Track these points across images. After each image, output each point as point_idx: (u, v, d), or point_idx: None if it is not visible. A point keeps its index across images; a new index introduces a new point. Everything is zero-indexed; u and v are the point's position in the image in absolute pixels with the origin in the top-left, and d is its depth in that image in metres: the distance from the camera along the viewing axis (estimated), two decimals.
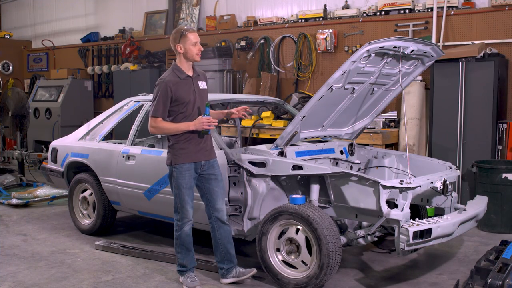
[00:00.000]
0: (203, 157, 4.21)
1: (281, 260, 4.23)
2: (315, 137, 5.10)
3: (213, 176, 4.27)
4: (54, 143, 6.33)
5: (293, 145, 4.82)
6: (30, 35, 13.42)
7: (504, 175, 5.74)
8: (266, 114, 7.03)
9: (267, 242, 4.23)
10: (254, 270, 4.34)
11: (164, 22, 10.28)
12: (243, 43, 8.71)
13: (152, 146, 6.44)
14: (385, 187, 3.91)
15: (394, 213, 3.87)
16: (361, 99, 4.85)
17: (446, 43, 6.87)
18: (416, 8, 7.22)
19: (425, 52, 4.55)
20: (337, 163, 5.21)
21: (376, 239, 4.70)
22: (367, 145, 5.98)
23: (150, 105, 4.25)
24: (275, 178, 4.52)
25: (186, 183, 4.15)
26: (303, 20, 8.28)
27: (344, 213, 4.28)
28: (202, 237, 5.54)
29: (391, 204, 4.04)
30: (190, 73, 4.20)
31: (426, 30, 7.05)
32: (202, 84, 4.27)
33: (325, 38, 7.81)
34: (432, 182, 4.17)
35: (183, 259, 4.27)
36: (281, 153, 4.52)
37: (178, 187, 4.15)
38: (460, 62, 6.24)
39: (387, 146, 6.57)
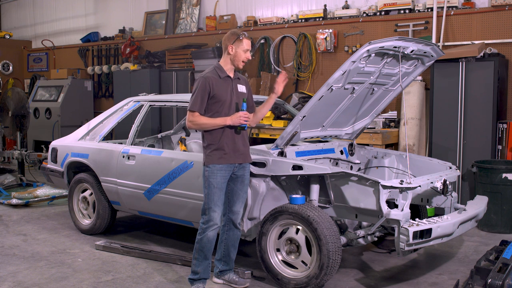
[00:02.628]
0: (237, 159, 4.13)
1: (281, 260, 4.23)
2: (315, 137, 5.10)
3: (241, 178, 4.19)
4: (54, 143, 6.33)
5: (293, 145, 4.82)
6: (30, 35, 13.43)
7: (504, 175, 5.74)
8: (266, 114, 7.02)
9: (267, 242, 4.23)
10: (247, 284, 4.32)
11: (164, 22, 10.28)
12: None
13: (152, 146, 6.44)
14: (385, 187, 3.91)
15: (394, 213, 3.87)
16: (361, 99, 4.85)
17: (446, 43, 6.87)
18: (416, 8, 7.22)
19: (425, 52, 4.55)
20: (337, 163, 5.21)
21: (376, 239, 4.70)
22: (367, 145, 5.98)
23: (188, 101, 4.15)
24: (275, 178, 4.52)
25: (218, 182, 4.05)
26: (303, 20, 8.28)
27: (344, 213, 4.28)
28: None
29: (391, 204, 4.05)
30: (231, 75, 4.17)
31: (426, 30, 7.05)
32: (241, 88, 4.23)
33: (325, 38, 7.82)
34: (432, 182, 4.18)
35: (198, 265, 4.13)
36: (281, 153, 4.52)
37: (208, 186, 4.05)
38: (460, 62, 6.25)
39: (387, 146, 6.57)
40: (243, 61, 4.13)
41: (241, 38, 4.09)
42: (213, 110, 4.07)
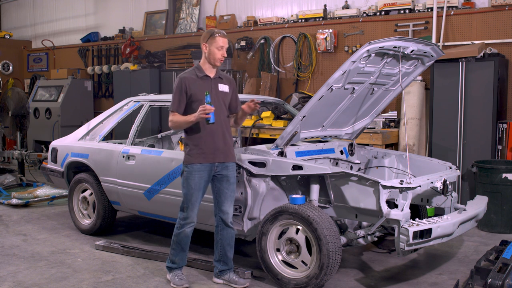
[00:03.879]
0: (217, 159, 4.18)
1: (281, 260, 4.23)
2: (315, 137, 5.10)
3: (225, 178, 4.23)
4: (54, 143, 6.33)
5: (293, 145, 4.82)
6: (30, 35, 13.43)
7: (504, 175, 5.74)
8: (266, 114, 7.03)
9: (267, 242, 4.23)
10: (247, 284, 4.32)
11: (164, 22, 10.28)
12: (243, 43, 8.71)
13: (152, 146, 6.44)
14: (385, 187, 3.91)
15: (394, 213, 3.87)
16: (361, 99, 4.85)
17: (446, 43, 6.87)
18: (416, 8, 7.22)
19: (425, 52, 4.55)
20: (337, 163, 5.21)
21: (376, 239, 4.70)
22: (367, 145, 5.98)
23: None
24: (275, 178, 4.52)
25: (195, 184, 4.12)
26: (303, 20, 8.28)
27: (344, 213, 4.28)
28: (202, 237, 5.54)
29: (391, 204, 4.04)
30: (211, 75, 4.21)
31: (426, 30, 7.05)
32: (222, 87, 4.25)
33: (325, 38, 7.81)
34: (432, 182, 4.17)
35: (176, 255, 4.32)
36: (281, 153, 4.52)
37: (187, 187, 4.15)
38: (460, 62, 6.24)
39: (387, 146, 6.57)
40: (219, 59, 4.15)
41: (215, 35, 4.11)
42: (192, 110, 4.14)
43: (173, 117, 4.14)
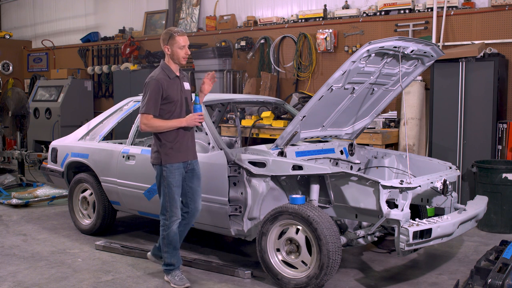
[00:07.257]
0: (190, 156, 4.32)
1: (281, 260, 4.23)
2: (315, 137, 5.10)
3: (196, 175, 4.38)
4: (54, 143, 6.33)
5: (293, 145, 4.82)
6: (30, 35, 13.43)
7: (504, 175, 5.74)
8: (266, 114, 7.03)
9: (267, 242, 4.23)
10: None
11: (164, 22, 10.28)
12: (243, 43, 8.71)
13: None
14: (385, 187, 3.91)
15: (394, 213, 3.87)
16: (361, 99, 4.85)
17: (446, 43, 6.87)
18: (416, 8, 7.22)
19: (425, 52, 4.56)
20: (337, 163, 5.21)
21: (376, 239, 4.71)
22: (367, 145, 5.98)
23: (140, 103, 4.28)
24: (275, 178, 4.52)
25: (176, 181, 4.22)
26: (303, 20, 8.28)
27: (344, 213, 4.28)
28: (202, 237, 5.55)
29: (391, 204, 4.04)
30: (178, 74, 4.29)
31: (426, 30, 7.05)
32: (186, 85, 4.37)
33: (325, 38, 7.81)
34: (432, 182, 4.18)
35: (171, 258, 4.33)
36: (281, 153, 4.52)
37: (168, 185, 4.20)
38: (460, 62, 6.24)
39: (387, 146, 6.57)
40: (183, 58, 4.20)
41: (174, 35, 4.15)
42: (166, 110, 4.19)
43: (150, 121, 4.13)
